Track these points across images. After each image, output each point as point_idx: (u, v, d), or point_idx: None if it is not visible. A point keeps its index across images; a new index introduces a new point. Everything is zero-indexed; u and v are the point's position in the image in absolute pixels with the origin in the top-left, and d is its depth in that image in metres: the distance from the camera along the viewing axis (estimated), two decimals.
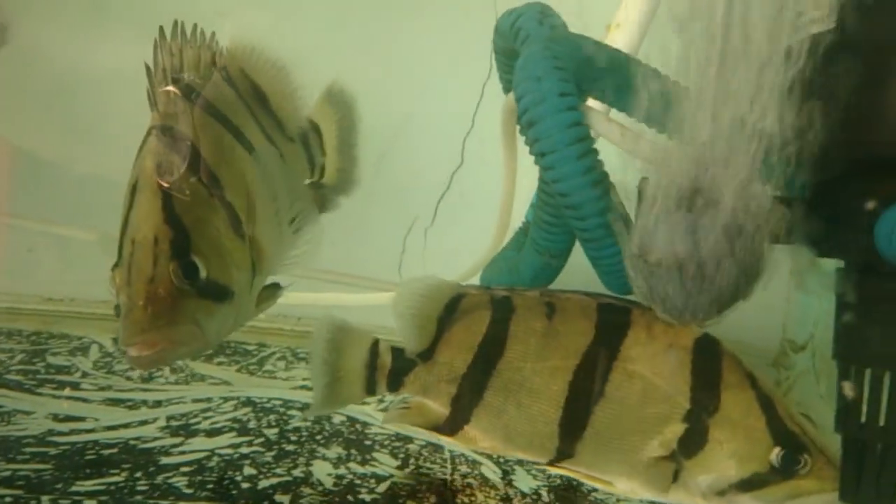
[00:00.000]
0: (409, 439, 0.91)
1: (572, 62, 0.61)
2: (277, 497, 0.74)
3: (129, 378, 1.00)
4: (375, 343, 0.73)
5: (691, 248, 0.50)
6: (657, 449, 0.64)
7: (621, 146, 0.57)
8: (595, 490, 0.81)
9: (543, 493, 0.79)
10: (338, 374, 0.73)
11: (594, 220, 0.59)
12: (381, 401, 0.99)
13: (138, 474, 0.75)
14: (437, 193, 1.49)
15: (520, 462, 0.87)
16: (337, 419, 0.94)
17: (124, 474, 0.75)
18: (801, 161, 0.49)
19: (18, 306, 1.21)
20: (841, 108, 0.52)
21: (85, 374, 0.99)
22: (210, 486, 0.75)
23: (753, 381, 0.63)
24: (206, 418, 0.90)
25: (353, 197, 1.45)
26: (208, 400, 0.96)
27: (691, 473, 0.64)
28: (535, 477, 0.83)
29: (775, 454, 0.61)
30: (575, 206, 0.58)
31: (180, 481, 0.75)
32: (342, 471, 0.81)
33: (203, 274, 0.61)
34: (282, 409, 0.95)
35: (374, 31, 1.39)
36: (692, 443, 0.63)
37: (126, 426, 0.86)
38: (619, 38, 1.13)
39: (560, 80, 0.58)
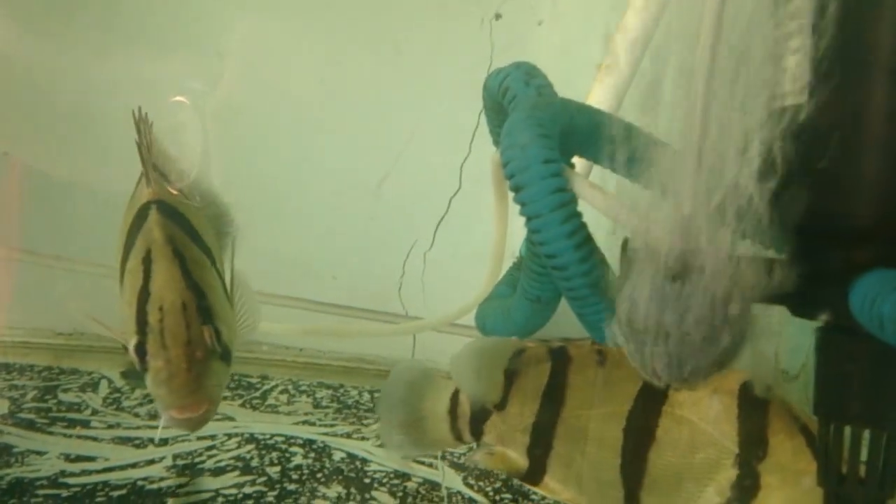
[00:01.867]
0: (406, 476, 0.94)
1: (556, 127, 0.64)
2: None
3: (136, 415, 1.03)
4: (456, 391, 0.77)
5: (677, 316, 0.52)
6: (714, 496, 0.65)
7: (604, 212, 0.60)
8: None
9: None
10: (418, 417, 0.77)
11: (578, 281, 0.62)
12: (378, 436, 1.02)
13: None
14: (436, 218, 1.53)
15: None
16: (337, 456, 0.97)
17: None
18: (782, 225, 0.52)
19: (31, 340, 1.25)
20: (814, 178, 0.55)
21: (95, 412, 1.03)
22: None
23: (802, 426, 0.63)
24: (210, 456, 0.93)
25: (352, 222, 1.49)
26: (213, 437, 0.99)
27: None
28: None
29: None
30: (560, 266, 0.61)
31: None
32: None
33: (224, 337, 0.64)
34: (284, 447, 0.98)
35: (370, 56, 1.43)
36: (744, 489, 0.64)
37: (134, 466, 0.89)
38: (609, 80, 1.16)
39: (544, 148, 0.61)
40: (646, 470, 0.66)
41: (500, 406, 0.74)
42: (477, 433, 0.76)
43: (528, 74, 0.73)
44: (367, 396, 1.24)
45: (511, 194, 0.81)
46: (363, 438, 1.03)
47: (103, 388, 1.11)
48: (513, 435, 0.74)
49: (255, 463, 0.93)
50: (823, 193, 0.55)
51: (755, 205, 0.54)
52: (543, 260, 0.64)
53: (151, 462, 0.91)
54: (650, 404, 0.66)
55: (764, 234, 0.55)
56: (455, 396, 0.77)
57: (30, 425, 0.97)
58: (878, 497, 0.55)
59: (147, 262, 0.64)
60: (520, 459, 0.73)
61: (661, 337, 0.55)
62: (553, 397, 0.71)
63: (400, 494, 0.89)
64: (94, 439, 0.95)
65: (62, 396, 1.07)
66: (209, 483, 0.87)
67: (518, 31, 1.43)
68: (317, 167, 1.42)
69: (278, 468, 0.92)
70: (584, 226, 0.62)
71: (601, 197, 0.60)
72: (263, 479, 0.89)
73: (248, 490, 0.86)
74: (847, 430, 0.57)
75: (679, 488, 0.66)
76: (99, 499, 0.81)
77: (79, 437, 0.95)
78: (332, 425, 1.08)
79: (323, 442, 1.01)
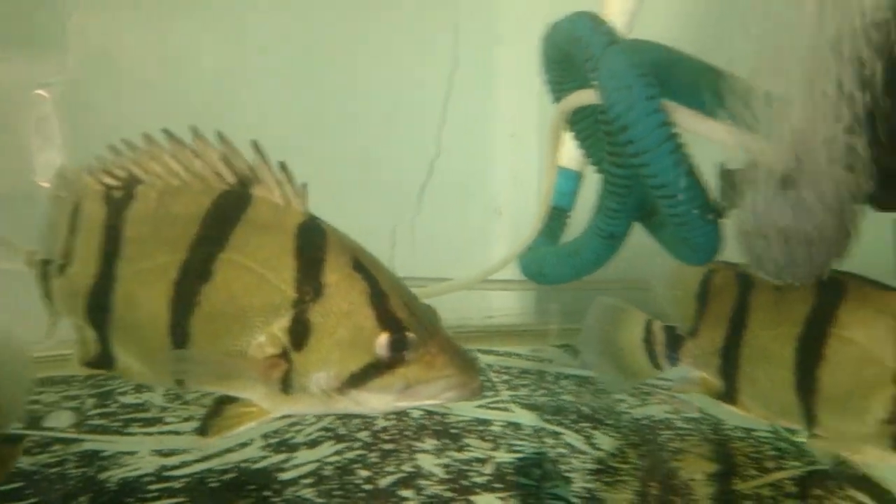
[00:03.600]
0: (488, 422, 0.98)
1: (652, 67, 0.68)
2: (401, 492, 0.80)
3: (203, 406, 1.03)
4: (649, 321, 0.83)
5: (796, 221, 0.59)
6: (880, 411, 0.68)
7: (711, 138, 0.66)
8: None
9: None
10: (617, 349, 0.83)
11: (687, 206, 0.67)
12: None
13: (267, 493, 0.80)
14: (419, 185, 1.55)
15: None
16: (416, 413, 1.00)
17: (254, 494, 0.80)
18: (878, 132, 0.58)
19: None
20: None
21: (163, 409, 1.02)
22: (337, 493, 0.80)
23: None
24: (298, 431, 0.95)
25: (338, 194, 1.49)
26: (289, 415, 1.00)
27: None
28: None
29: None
30: (672, 194, 0.66)
31: (308, 493, 0.80)
32: (446, 459, 0.88)
33: None
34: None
35: (341, 28, 1.42)
36: None
37: (229, 451, 0.90)
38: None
39: (646, 86, 0.65)
40: (818, 388, 0.70)
41: (693, 332, 0.79)
42: (674, 359, 0.81)
43: (595, 21, 0.77)
44: None
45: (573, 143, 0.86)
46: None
47: (158, 387, 1.10)
48: (707, 358, 0.79)
49: (342, 431, 0.95)
50: None
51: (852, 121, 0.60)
52: (652, 192, 0.69)
53: (244, 445, 0.92)
54: (819, 325, 0.70)
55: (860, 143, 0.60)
56: (649, 326, 0.83)
57: (106, 430, 0.95)
58: None
59: (360, 268, 0.66)
60: (716, 381, 0.79)
61: (780, 240, 0.62)
62: (738, 320, 0.76)
63: (489, 438, 0.94)
64: (177, 433, 0.95)
65: (122, 399, 1.05)
66: (309, 455, 0.89)
67: None
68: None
69: (367, 432, 0.95)
70: (689, 157, 0.67)
71: (708, 125, 0.65)
72: (358, 443, 0.92)
73: (350, 455, 0.89)
74: None
75: (848, 405, 0.70)
76: (212, 484, 0.82)
77: (160, 433, 0.95)
78: None
79: None
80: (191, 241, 0.68)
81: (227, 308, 0.67)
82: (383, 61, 1.45)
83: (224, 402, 0.71)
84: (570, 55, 0.79)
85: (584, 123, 0.89)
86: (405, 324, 0.64)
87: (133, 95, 1.30)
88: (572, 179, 1.11)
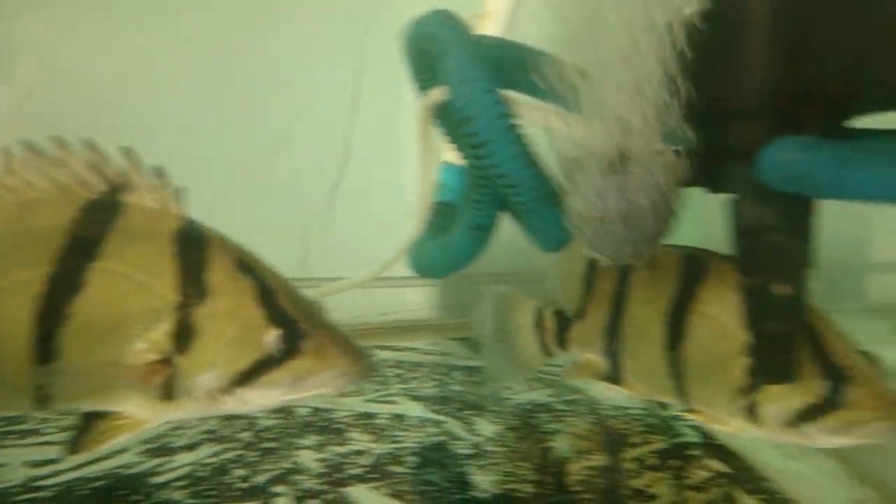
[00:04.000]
0: (373, 415, 1.00)
1: (492, 62, 0.71)
2: (274, 488, 0.81)
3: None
4: (540, 308, 0.85)
5: (623, 203, 0.62)
6: (739, 380, 0.70)
7: (545, 126, 0.68)
8: None
9: None
10: (508, 336, 0.84)
11: (531, 194, 0.70)
12: None
13: (137, 497, 0.79)
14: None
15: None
16: (303, 411, 1.01)
17: (124, 499, 0.79)
18: (693, 118, 0.62)
19: None
20: (716, 71, 0.65)
21: (44, 420, 1.00)
22: (210, 493, 0.80)
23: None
24: (179, 436, 0.94)
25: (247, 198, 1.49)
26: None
27: None
28: None
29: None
30: (514, 184, 0.69)
31: (179, 494, 0.80)
32: (326, 454, 0.88)
33: None
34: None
35: (245, 34, 1.42)
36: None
37: (104, 458, 0.89)
38: (488, 27, 1.24)
39: (486, 80, 0.68)
40: (684, 364, 0.73)
41: (580, 315, 0.82)
42: (563, 343, 0.83)
43: (448, 18, 0.79)
44: None
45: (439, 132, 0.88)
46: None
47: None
48: (592, 340, 0.81)
49: (225, 432, 0.95)
50: (720, 82, 0.66)
51: (671, 107, 0.63)
52: (496, 181, 0.71)
53: (121, 452, 0.90)
54: (681, 303, 0.73)
55: (679, 128, 0.64)
56: (539, 312, 0.85)
57: None
58: None
59: (244, 268, 0.67)
60: (601, 362, 0.81)
61: (608, 222, 0.65)
62: (619, 300, 0.78)
63: (371, 430, 0.95)
64: (50, 444, 0.93)
65: None
66: (187, 458, 0.88)
67: None
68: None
69: (250, 433, 0.95)
70: (530, 146, 0.70)
71: (543, 114, 0.68)
72: (239, 444, 0.91)
73: (228, 456, 0.88)
74: None
75: (710, 379, 0.72)
76: (82, 492, 0.81)
77: (36, 444, 0.92)
78: None
79: None
80: (56, 254, 0.67)
81: (101, 318, 0.65)
82: (292, 60, 1.45)
83: (95, 416, 0.70)
84: (427, 51, 0.81)
85: (449, 118, 0.91)
86: (293, 318, 0.64)
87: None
88: (458, 174, 1.13)
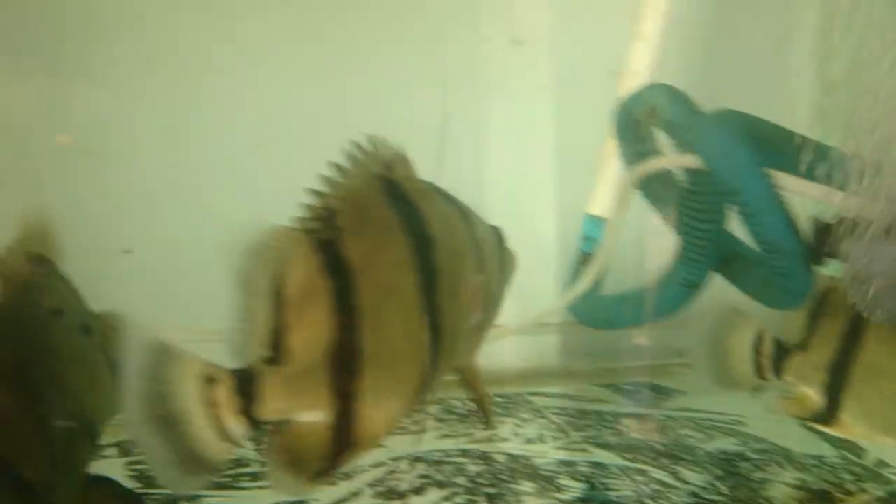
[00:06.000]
0: (572, 463, 1.03)
1: (746, 135, 0.77)
2: None
3: None
4: (762, 330, 0.86)
5: None
6: None
7: (817, 198, 0.74)
8: None
9: None
10: (724, 353, 0.86)
11: (794, 260, 0.75)
12: None
13: None
14: None
15: None
16: (500, 458, 1.05)
17: None
18: None
19: None
20: None
21: None
22: None
23: None
24: (396, 479, 0.99)
25: None
26: None
27: None
28: None
29: None
30: (781, 250, 0.74)
31: None
32: (549, 501, 0.92)
33: None
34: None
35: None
36: None
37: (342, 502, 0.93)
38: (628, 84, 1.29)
39: (750, 152, 0.74)
40: None
41: (802, 346, 0.83)
42: (778, 371, 0.85)
43: (672, 92, 0.85)
44: None
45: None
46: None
47: None
48: (812, 373, 0.82)
49: (439, 477, 0.99)
50: None
51: None
52: (763, 247, 0.76)
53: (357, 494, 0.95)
54: None
55: None
56: (760, 334, 0.86)
57: None
58: None
59: None
60: (816, 397, 0.83)
61: (887, 285, 0.69)
62: (851, 336, 0.80)
63: (580, 477, 0.99)
64: None
65: None
66: (420, 502, 0.92)
67: None
68: None
69: (463, 477, 0.99)
70: (795, 215, 0.76)
71: (812, 187, 0.73)
72: (461, 488, 0.96)
73: (460, 500, 0.92)
74: None
75: None
76: None
77: None
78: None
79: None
80: None
81: None
82: None
83: None
84: (644, 123, 0.87)
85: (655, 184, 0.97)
86: None
87: None
88: (599, 226, 1.19)
